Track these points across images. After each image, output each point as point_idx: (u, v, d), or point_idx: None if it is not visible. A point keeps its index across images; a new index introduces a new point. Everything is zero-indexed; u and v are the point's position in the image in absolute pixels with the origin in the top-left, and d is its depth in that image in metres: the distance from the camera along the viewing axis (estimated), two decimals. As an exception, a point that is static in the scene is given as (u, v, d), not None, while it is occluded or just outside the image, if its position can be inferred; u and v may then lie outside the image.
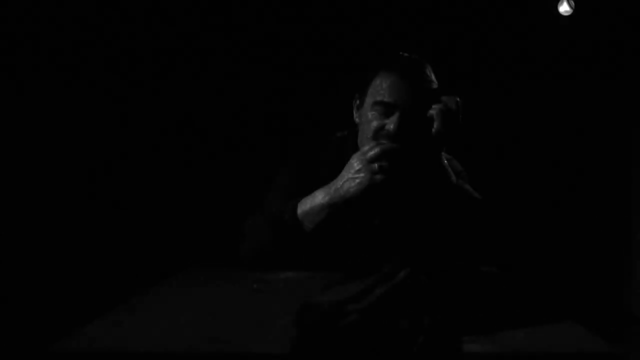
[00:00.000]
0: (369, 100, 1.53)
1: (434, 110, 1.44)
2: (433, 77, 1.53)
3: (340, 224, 1.49)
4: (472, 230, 1.48)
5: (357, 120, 1.59)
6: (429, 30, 2.80)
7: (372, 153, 1.40)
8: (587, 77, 2.90)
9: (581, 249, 2.92)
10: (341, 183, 1.42)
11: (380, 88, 1.51)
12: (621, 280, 2.94)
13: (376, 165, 1.39)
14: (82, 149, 2.59)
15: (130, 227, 2.59)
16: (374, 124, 1.50)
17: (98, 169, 2.59)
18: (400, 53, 1.57)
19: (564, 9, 2.80)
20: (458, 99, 1.47)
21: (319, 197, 1.43)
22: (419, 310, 0.97)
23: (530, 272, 2.70)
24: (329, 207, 1.42)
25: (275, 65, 2.78)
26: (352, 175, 1.41)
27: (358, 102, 1.60)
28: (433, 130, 1.43)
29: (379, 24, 2.80)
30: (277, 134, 2.74)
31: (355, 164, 1.41)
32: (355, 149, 1.54)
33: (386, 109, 1.49)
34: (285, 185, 1.60)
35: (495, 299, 1.22)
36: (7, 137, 2.46)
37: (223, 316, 1.09)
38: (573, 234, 2.92)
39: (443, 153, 1.54)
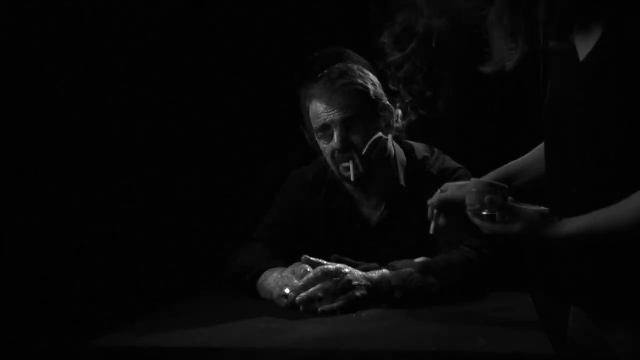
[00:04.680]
0: (313, 132, 1.67)
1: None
2: (358, 72, 1.61)
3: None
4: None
5: (319, 152, 1.71)
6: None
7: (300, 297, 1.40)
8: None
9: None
10: (275, 295, 1.46)
11: (313, 117, 1.65)
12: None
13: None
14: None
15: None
16: (327, 151, 1.65)
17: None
18: (318, 67, 1.62)
19: None
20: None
21: (271, 285, 1.50)
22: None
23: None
24: (274, 299, 1.48)
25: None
26: (280, 295, 1.45)
27: (308, 136, 1.72)
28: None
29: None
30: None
31: (285, 289, 1.44)
32: (333, 178, 1.70)
33: (326, 132, 1.63)
34: (273, 218, 1.75)
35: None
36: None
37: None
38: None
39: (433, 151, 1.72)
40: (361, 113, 1.60)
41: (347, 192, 1.72)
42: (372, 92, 1.62)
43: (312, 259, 1.48)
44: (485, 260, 1.53)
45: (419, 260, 1.49)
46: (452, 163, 1.71)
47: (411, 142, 1.76)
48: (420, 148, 1.75)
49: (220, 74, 2.33)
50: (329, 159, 1.65)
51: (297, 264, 1.48)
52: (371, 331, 1.26)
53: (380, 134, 1.64)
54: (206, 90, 2.34)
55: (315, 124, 1.63)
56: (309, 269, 1.44)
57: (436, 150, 1.76)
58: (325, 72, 1.62)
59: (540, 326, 1.27)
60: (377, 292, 1.44)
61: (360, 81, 1.61)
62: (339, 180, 1.70)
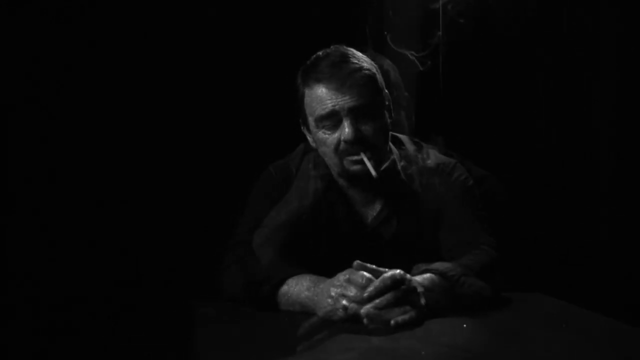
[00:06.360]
0: (310, 120, 1.51)
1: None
2: (362, 58, 1.51)
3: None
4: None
5: (314, 145, 1.57)
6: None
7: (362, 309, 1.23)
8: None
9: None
10: (324, 307, 1.30)
11: (314, 102, 1.48)
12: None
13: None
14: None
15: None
16: (329, 142, 1.48)
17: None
18: (318, 53, 1.53)
19: None
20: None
21: (301, 296, 1.36)
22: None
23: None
24: (306, 310, 1.35)
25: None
26: (335, 307, 1.27)
27: (303, 126, 1.58)
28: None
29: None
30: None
31: (342, 301, 1.26)
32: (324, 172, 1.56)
33: (331, 121, 1.47)
34: (257, 211, 1.57)
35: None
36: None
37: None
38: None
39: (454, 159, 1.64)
40: (372, 101, 1.48)
41: (339, 188, 1.59)
42: (378, 79, 1.53)
43: (368, 265, 1.28)
44: (503, 259, 1.49)
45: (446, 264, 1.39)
46: (443, 156, 1.64)
47: (394, 133, 1.65)
48: (405, 139, 1.66)
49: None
50: (330, 151, 1.49)
51: (349, 270, 1.29)
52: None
53: (389, 124, 1.54)
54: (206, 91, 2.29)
55: (319, 110, 1.46)
56: (367, 275, 1.26)
57: (419, 140, 1.67)
58: (327, 52, 1.51)
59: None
60: (430, 298, 1.28)
61: (367, 66, 1.50)
62: (330, 175, 1.57)
